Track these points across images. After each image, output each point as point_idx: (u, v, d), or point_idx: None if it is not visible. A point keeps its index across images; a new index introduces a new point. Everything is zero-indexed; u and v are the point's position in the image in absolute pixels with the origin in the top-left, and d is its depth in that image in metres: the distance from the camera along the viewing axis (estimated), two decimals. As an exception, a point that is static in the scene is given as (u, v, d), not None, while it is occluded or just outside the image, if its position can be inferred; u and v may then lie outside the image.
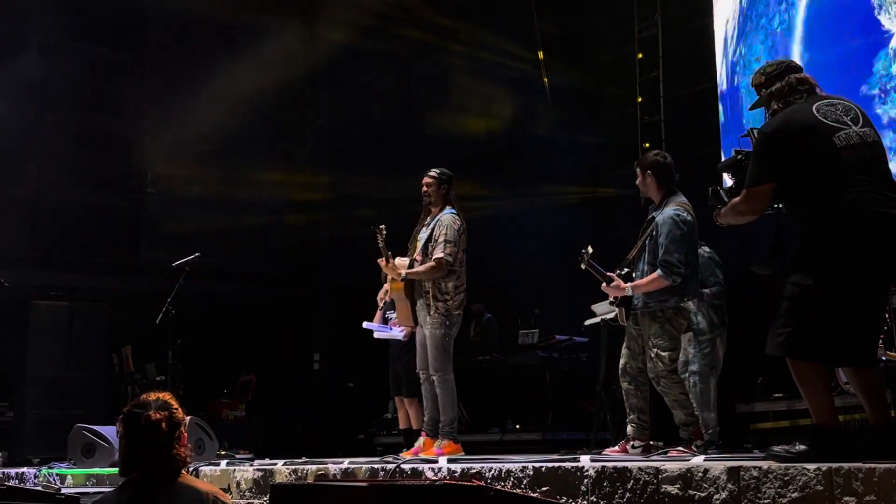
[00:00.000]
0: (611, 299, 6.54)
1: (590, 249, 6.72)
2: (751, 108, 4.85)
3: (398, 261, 7.18)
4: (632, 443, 6.31)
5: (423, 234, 7.08)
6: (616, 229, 14.11)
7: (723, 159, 12.10)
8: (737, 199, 4.51)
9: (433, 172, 7.12)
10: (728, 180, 4.81)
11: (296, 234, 15.12)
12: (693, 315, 7.50)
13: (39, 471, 8.31)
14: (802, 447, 4.20)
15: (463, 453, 6.82)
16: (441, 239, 6.86)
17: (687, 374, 7.54)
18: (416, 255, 7.08)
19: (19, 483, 8.56)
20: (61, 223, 13.50)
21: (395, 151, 15.07)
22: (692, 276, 6.34)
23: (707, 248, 7.61)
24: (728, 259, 7.75)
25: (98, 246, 13.71)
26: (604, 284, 6.45)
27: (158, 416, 3.50)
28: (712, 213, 4.77)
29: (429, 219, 7.11)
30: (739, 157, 4.66)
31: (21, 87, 13.32)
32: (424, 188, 7.11)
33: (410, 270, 6.84)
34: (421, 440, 7.04)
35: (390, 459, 6.39)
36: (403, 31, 15.18)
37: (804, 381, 4.29)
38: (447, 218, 6.97)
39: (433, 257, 6.85)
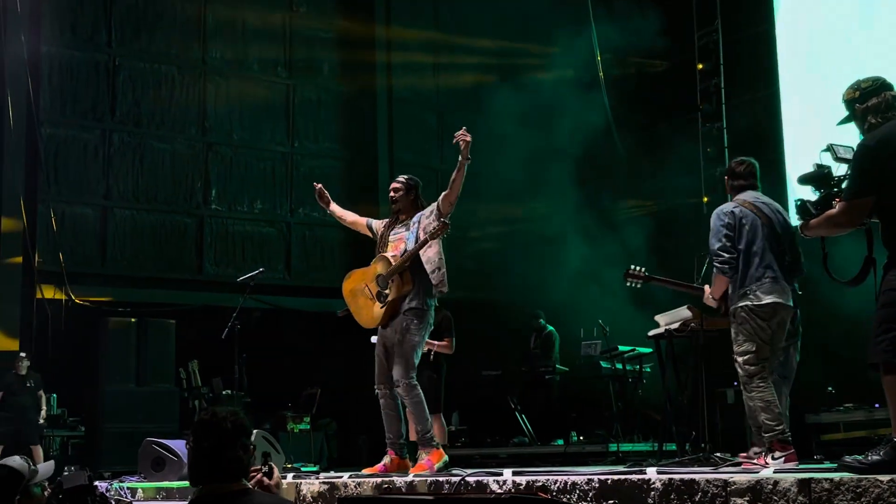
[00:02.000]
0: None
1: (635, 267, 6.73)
2: (839, 123, 4.77)
3: (388, 255, 6.82)
4: (772, 454, 6.00)
5: (404, 232, 6.74)
6: (669, 239, 14.00)
7: (787, 166, 11.96)
8: (833, 210, 4.47)
9: (401, 178, 6.90)
10: (797, 191, 4.72)
11: (357, 247, 15.22)
12: None
13: (111, 484, 8.45)
14: (877, 457, 4.12)
15: (447, 458, 6.63)
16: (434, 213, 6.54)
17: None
18: (393, 253, 6.72)
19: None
20: (129, 241, 13.76)
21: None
22: (749, 268, 6.03)
23: None
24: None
25: (165, 262, 13.96)
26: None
27: (224, 414, 3.55)
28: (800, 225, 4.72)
29: (403, 225, 6.77)
30: (825, 170, 4.62)
31: (89, 106, 13.65)
32: (392, 193, 6.87)
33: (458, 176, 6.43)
34: (387, 458, 6.78)
35: (455, 472, 6.37)
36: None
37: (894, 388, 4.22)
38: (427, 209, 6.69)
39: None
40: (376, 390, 6.91)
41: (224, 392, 12.09)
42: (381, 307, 6.73)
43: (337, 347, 14.34)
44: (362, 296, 6.94)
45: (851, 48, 11.15)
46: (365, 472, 6.78)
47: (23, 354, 11.81)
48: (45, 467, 5.17)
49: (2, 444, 11.57)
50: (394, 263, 6.64)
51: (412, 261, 6.60)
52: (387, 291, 6.71)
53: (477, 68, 15.68)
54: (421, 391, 6.67)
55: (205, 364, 12.91)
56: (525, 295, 13.33)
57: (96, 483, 8.86)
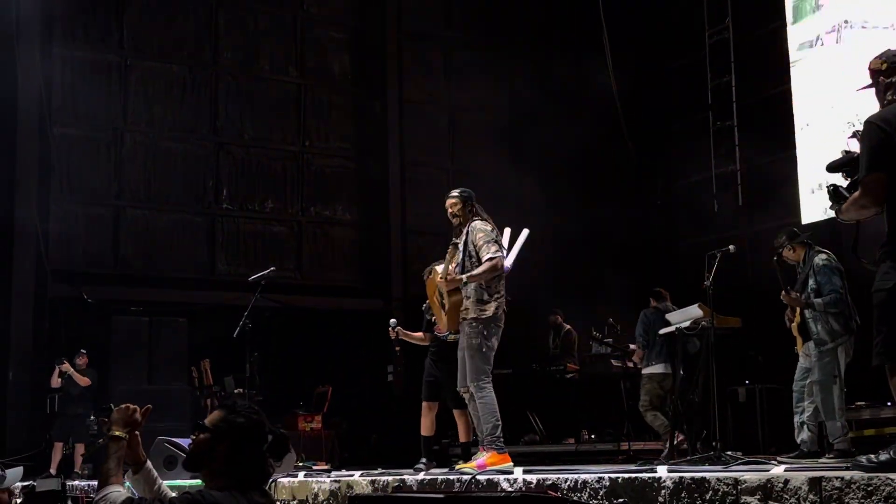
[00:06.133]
0: None
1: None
2: (859, 89, 4.70)
3: (439, 268, 7.14)
4: None
5: (457, 244, 7.00)
6: (681, 237, 13.97)
7: (799, 161, 11.93)
8: (857, 193, 4.38)
9: (454, 193, 7.11)
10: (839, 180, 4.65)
11: (369, 247, 15.26)
12: (812, 324, 7.34)
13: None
14: (886, 456, 4.12)
15: (511, 463, 6.60)
16: (481, 243, 6.78)
17: (809, 383, 7.44)
18: (451, 266, 6.99)
19: (104, 494, 8.74)
20: (141, 240, 13.80)
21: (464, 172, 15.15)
22: None
23: (824, 256, 7.42)
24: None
25: (176, 261, 13.98)
26: None
27: (260, 418, 3.41)
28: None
29: (462, 235, 7.04)
30: (854, 155, 4.51)
31: (101, 107, 13.69)
32: (450, 210, 7.09)
33: (471, 274, 6.71)
34: (485, 454, 6.72)
35: (467, 471, 6.38)
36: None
37: None
38: (478, 224, 6.90)
39: (484, 258, 6.73)
40: (460, 391, 7.06)
41: (236, 390, 12.12)
42: (445, 314, 6.98)
43: (348, 346, 14.40)
44: (435, 304, 7.24)
45: (868, 43, 11.10)
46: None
47: (83, 351, 11.85)
48: (14, 473, 5.13)
49: (61, 441, 11.65)
50: (440, 277, 6.94)
51: (463, 271, 6.81)
52: (444, 301, 6.94)
53: (488, 69, 15.69)
54: (492, 392, 6.74)
55: (217, 363, 12.95)
56: (538, 293, 13.33)
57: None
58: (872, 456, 4.21)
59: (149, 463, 3.71)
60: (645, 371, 9.49)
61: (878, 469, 4.02)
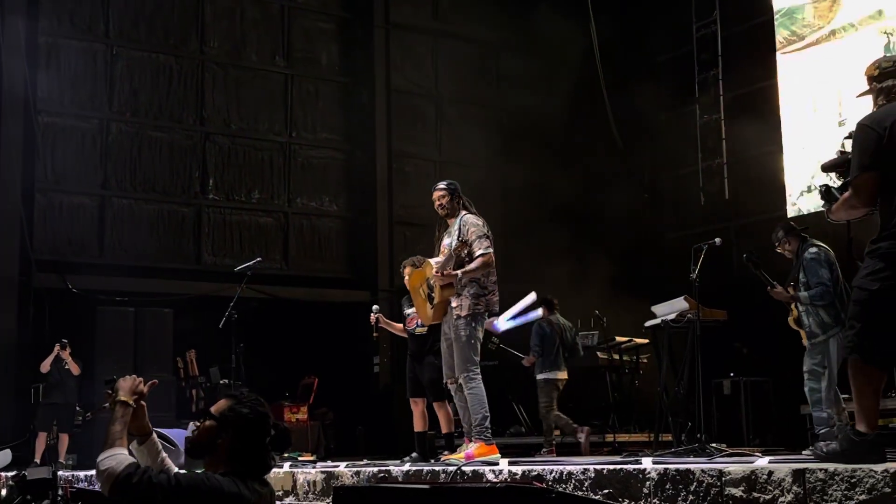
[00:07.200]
0: None
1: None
2: (859, 96, 4.80)
3: (433, 261, 7.11)
4: None
5: (447, 241, 7.02)
6: (669, 231, 13.98)
7: (785, 155, 11.98)
8: (847, 193, 4.49)
9: (441, 185, 7.12)
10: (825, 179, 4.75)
11: (355, 238, 15.24)
12: (805, 317, 7.36)
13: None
14: (834, 446, 4.31)
15: (498, 454, 6.63)
16: (473, 238, 6.78)
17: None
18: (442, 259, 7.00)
19: (88, 486, 8.74)
20: (126, 230, 13.74)
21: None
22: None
23: (813, 249, 7.40)
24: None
25: (162, 252, 13.93)
26: None
27: (265, 410, 3.43)
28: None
29: (450, 227, 7.05)
30: (848, 156, 4.63)
31: (86, 95, 13.61)
32: (438, 202, 7.08)
33: (465, 269, 6.74)
34: (473, 445, 6.78)
35: (451, 462, 6.39)
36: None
37: (857, 382, 4.33)
38: (470, 218, 6.92)
39: (476, 255, 6.74)
40: (446, 383, 7.09)
41: (221, 381, 12.10)
42: (432, 307, 7.01)
43: (334, 337, 14.39)
44: (420, 296, 7.25)
45: (854, 39, 11.14)
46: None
47: (65, 341, 11.74)
48: (1, 457, 5.15)
49: (45, 431, 11.58)
50: (434, 270, 6.89)
51: (456, 265, 6.81)
52: (433, 294, 6.97)
53: (476, 58, 15.68)
54: (481, 383, 6.79)
55: (202, 353, 12.92)
56: (524, 283, 13.34)
57: (93, 472, 8.88)
58: (823, 444, 4.45)
59: (154, 435, 3.72)
60: (540, 377, 10.29)
61: (824, 459, 4.25)
